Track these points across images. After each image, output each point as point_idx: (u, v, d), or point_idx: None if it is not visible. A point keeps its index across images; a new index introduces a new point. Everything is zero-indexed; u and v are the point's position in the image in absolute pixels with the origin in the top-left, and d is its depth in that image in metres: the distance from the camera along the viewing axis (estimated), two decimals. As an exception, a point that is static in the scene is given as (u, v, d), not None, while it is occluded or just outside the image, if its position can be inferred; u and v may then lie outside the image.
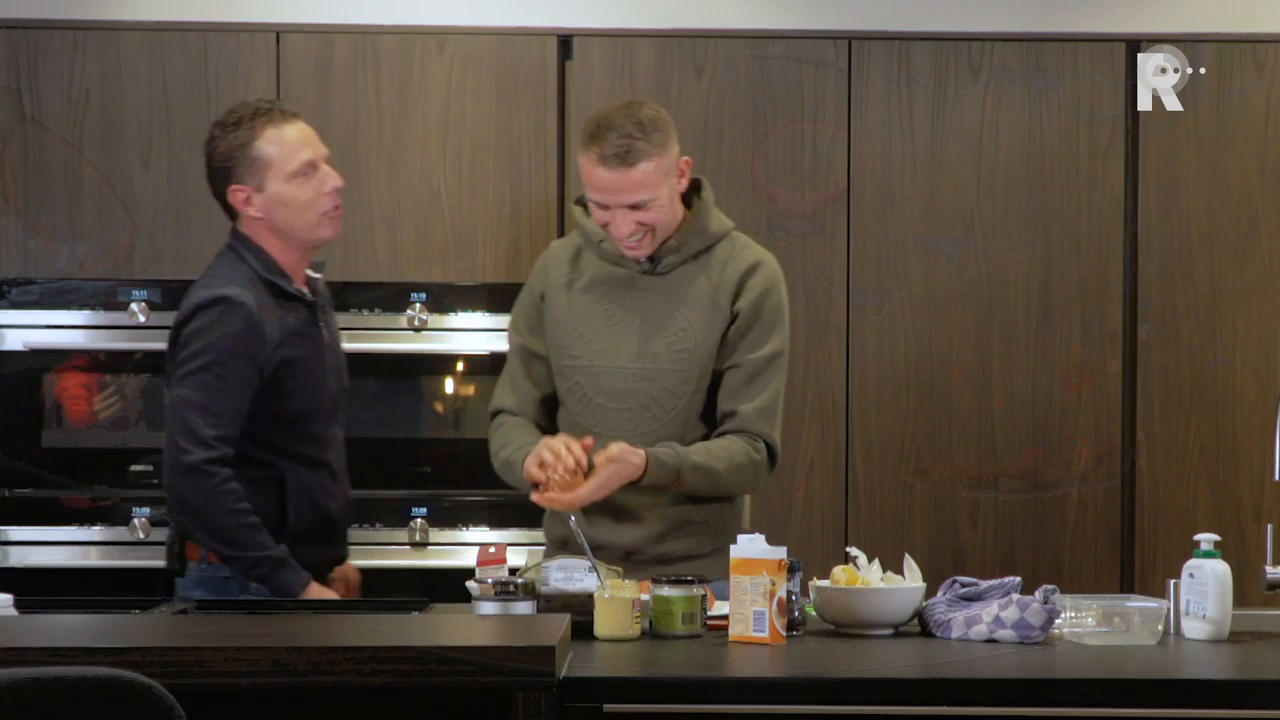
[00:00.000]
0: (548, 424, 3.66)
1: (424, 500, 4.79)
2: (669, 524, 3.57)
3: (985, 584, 3.18)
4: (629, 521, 3.54)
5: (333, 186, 3.64)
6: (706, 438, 3.58)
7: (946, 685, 2.76)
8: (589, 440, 3.46)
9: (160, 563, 4.73)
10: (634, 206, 3.50)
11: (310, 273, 3.72)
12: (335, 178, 3.66)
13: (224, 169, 3.63)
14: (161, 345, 4.68)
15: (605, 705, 2.67)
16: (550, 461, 3.41)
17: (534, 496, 3.46)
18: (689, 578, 3.18)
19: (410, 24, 4.86)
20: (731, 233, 3.65)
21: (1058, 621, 3.10)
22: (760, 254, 3.65)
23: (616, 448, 3.43)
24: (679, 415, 3.56)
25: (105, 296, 4.74)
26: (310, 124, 4.75)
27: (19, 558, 4.74)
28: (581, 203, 3.67)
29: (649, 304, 3.58)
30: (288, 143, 3.63)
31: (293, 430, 3.60)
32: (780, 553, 3.07)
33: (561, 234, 4.71)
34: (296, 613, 3.36)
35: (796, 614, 3.15)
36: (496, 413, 3.70)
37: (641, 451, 3.44)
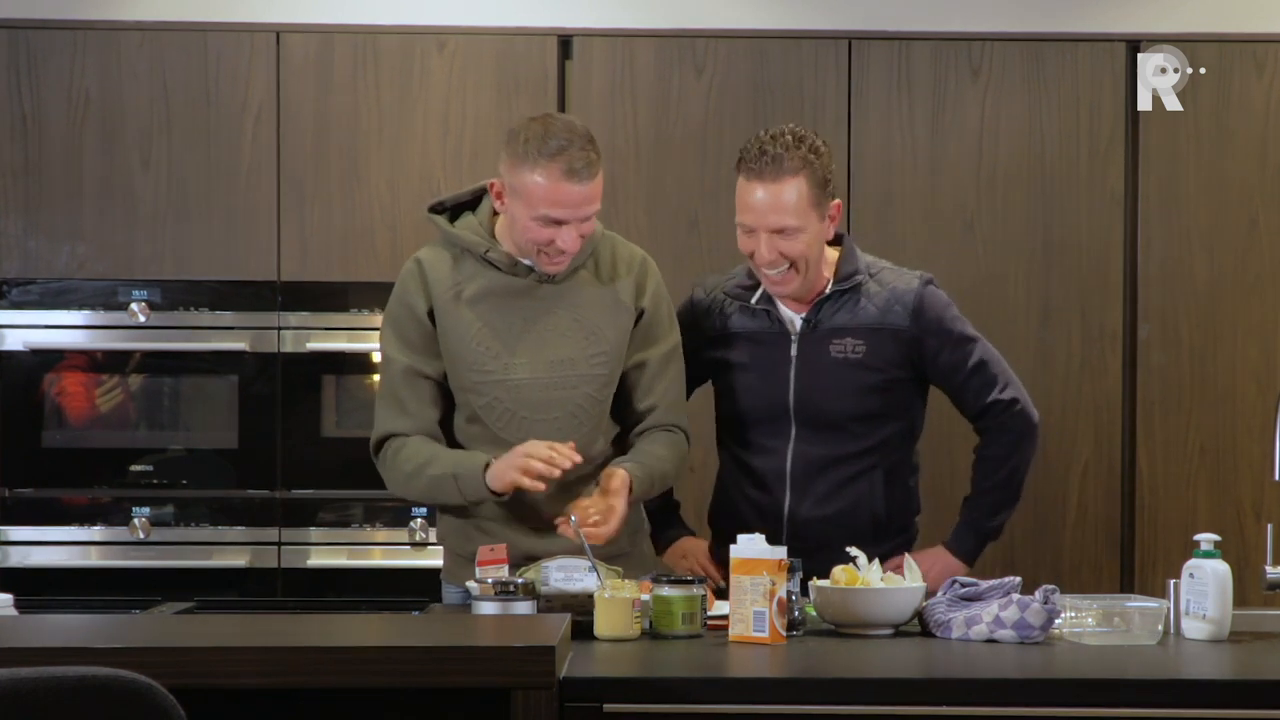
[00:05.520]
0: (445, 444, 3.55)
1: (424, 500, 4.79)
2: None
3: (985, 584, 3.18)
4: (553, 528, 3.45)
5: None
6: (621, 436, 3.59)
7: (946, 685, 2.76)
8: (574, 443, 3.40)
9: (159, 563, 4.76)
10: (584, 219, 3.43)
11: None
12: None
13: None
14: (161, 345, 4.75)
15: (605, 705, 2.67)
16: (544, 470, 3.34)
17: (570, 531, 3.34)
18: (689, 577, 3.18)
19: (410, 24, 4.86)
20: (604, 232, 3.61)
21: (1058, 621, 3.10)
22: (638, 249, 3.63)
23: (617, 481, 3.40)
24: (602, 419, 3.54)
25: (105, 296, 4.74)
26: (310, 124, 4.82)
27: (19, 558, 4.74)
28: (438, 210, 3.58)
29: (551, 311, 3.51)
30: None
31: None
32: (780, 553, 3.07)
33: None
34: (296, 613, 3.36)
35: (796, 614, 3.15)
36: (386, 438, 3.53)
37: (622, 472, 3.43)
